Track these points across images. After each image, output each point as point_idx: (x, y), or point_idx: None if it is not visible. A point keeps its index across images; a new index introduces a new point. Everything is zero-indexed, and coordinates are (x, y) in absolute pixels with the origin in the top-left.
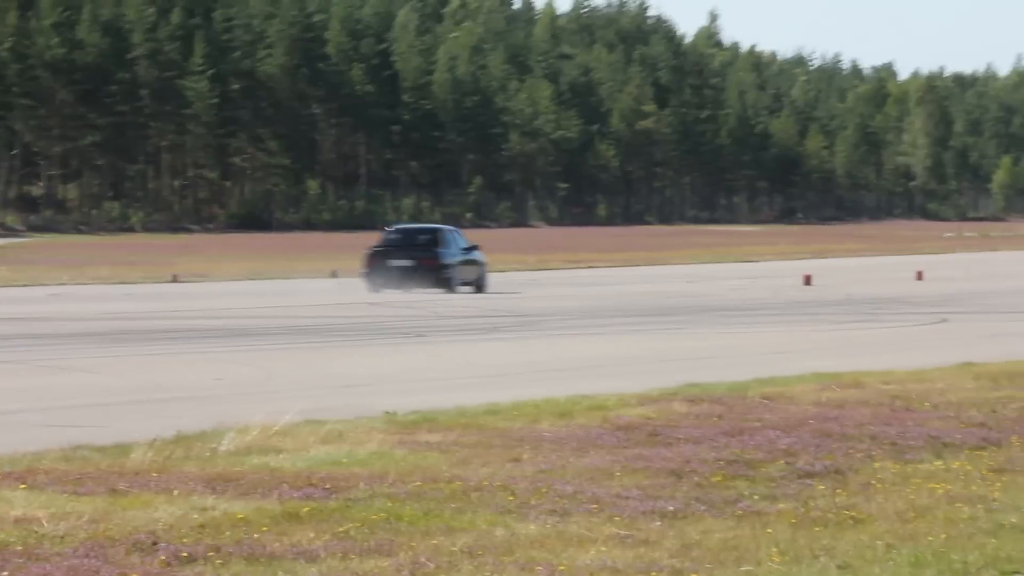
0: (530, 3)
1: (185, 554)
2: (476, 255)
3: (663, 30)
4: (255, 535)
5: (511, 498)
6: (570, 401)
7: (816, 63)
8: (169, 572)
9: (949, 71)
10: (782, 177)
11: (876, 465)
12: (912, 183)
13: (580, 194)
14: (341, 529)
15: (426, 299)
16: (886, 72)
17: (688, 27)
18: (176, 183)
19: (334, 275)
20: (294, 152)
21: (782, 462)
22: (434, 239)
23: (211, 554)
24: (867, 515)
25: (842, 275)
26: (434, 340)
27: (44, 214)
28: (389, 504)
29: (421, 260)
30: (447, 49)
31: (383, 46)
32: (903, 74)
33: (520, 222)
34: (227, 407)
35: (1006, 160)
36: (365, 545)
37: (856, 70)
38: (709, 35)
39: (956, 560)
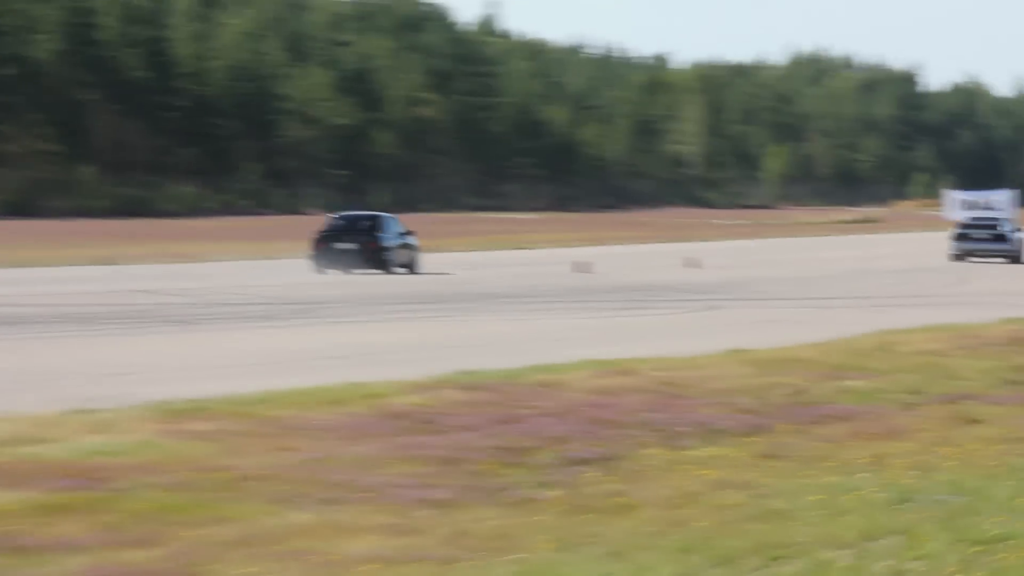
0: None
1: None
2: (410, 240)
3: (440, 18)
4: (19, 526)
5: (282, 487)
6: (343, 389)
7: (593, 52)
8: None
9: (724, 60)
10: (558, 165)
11: (647, 452)
12: (687, 171)
13: (358, 181)
14: (108, 519)
15: (201, 287)
16: (662, 61)
17: (466, 16)
18: None
19: (113, 262)
20: (67, 138)
21: (554, 449)
22: (375, 224)
23: None
24: (637, 502)
25: (617, 262)
26: (207, 328)
27: None
28: (157, 494)
29: (364, 243)
30: (223, 35)
31: (158, 32)
32: (678, 63)
33: (296, 209)
34: None
35: (777, 148)
36: (132, 536)
37: (632, 59)
38: (486, 23)
39: (723, 546)
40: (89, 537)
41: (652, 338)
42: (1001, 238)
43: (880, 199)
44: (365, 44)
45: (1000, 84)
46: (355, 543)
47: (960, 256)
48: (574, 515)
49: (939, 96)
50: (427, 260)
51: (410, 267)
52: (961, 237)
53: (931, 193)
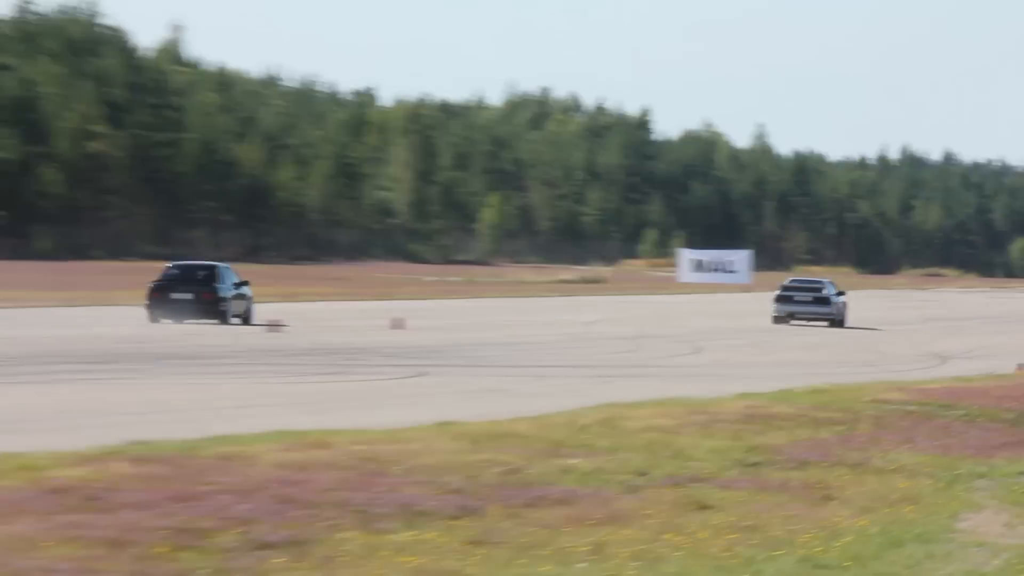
0: None
1: None
2: (245, 290)
3: (117, 41)
4: None
5: None
6: None
7: (290, 85)
8: None
9: (436, 98)
10: (249, 210)
11: (342, 535)
12: (393, 220)
13: (18, 223)
14: None
15: None
16: (367, 97)
17: (147, 40)
18: None
19: None
20: None
21: (237, 531)
22: (212, 275)
23: None
24: None
25: (313, 321)
26: None
27: None
28: None
29: (201, 294)
30: None
31: None
32: (385, 100)
33: None
34: None
35: (494, 198)
36: None
37: (334, 94)
38: (170, 49)
39: None
40: None
41: (351, 407)
42: (824, 301)
43: (607, 257)
44: (29, 68)
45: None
46: None
47: (782, 318)
48: None
49: (672, 145)
50: (92, 314)
51: (245, 318)
52: (783, 299)
53: (662, 252)
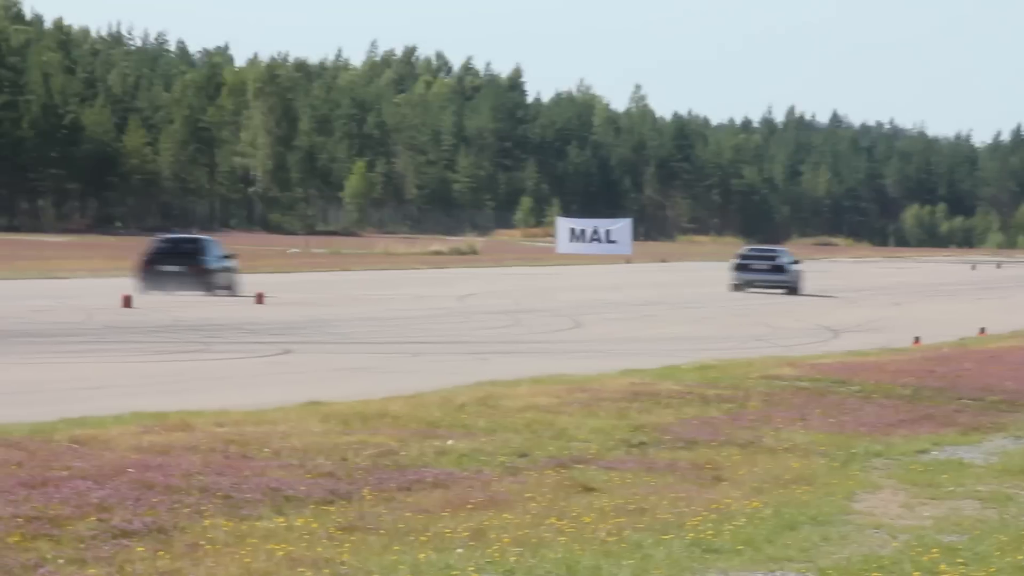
0: None
1: None
2: (230, 263)
3: None
4: None
5: None
6: None
7: (137, 43)
8: None
9: (294, 58)
10: (97, 178)
11: (206, 523)
12: (252, 189)
13: None
14: None
15: None
16: (221, 57)
17: None
18: None
19: None
20: None
21: (94, 519)
22: (199, 248)
23: None
24: None
25: (168, 297)
26: None
27: None
28: None
29: (189, 266)
30: None
31: None
32: (240, 60)
33: None
34: None
35: (359, 165)
36: None
37: (185, 53)
38: (7, 6)
39: None
40: None
41: (214, 387)
42: (780, 269)
43: (480, 227)
44: None
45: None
46: None
47: (740, 286)
48: None
49: (546, 107)
50: None
51: (230, 289)
52: (741, 268)
53: (538, 221)
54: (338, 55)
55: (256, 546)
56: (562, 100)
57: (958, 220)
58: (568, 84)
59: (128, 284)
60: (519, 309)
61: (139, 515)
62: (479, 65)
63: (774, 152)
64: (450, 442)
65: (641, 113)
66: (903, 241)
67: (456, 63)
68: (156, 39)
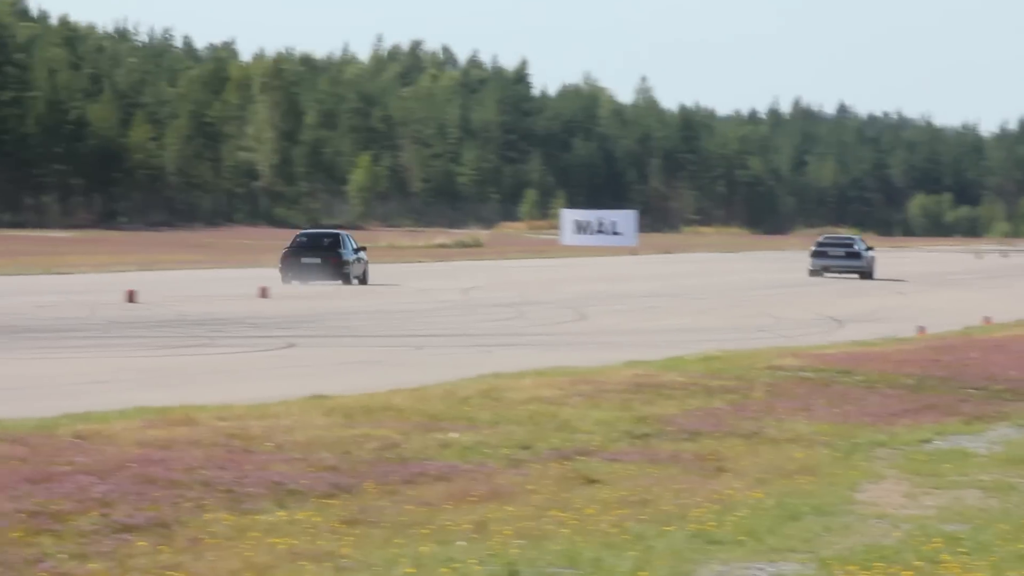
0: None
1: None
2: (362, 255)
3: None
4: None
5: None
6: None
7: (143, 39)
8: None
9: (299, 52)
10: (102, 174)
11: (208, 516)
12: (257, 183)
13: None
14: None
15: None
16: (226, 52)
17: None
18: None
19: None
20: None
21: (96, 513)
22: (336, 241)
23: None
24: (196, 575)
25: (174, 290)
26: None
27: None
28: None
29: (327, 258)
30: None
31: None
32: (246, 55)
33: None
34: None
35: (364, 158)
36: None
37: (191, 49)
38: (13, 2)
39: None
40: None
41: (218, 381)
42: (855, 255)
43: (485, 219)
44: None
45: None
46: None
47: (817, 271)
48: None
49: (552, 100)
50: None
51: (362, 279)
52: (819, 254)
53: (543, 213)
54: (344, 49)
55: (258, 540)
56: (568, 92)
57: (964, 209)
58: (574, 76)
59: (129, 280)
60: (523, 301)
61: (141, 510)
62: (485, 58)
63: (780, 143)
64: (453, 435)
65: (647, 105)
66: (909, 231)
67: (462, 56)
68: (162, 35)
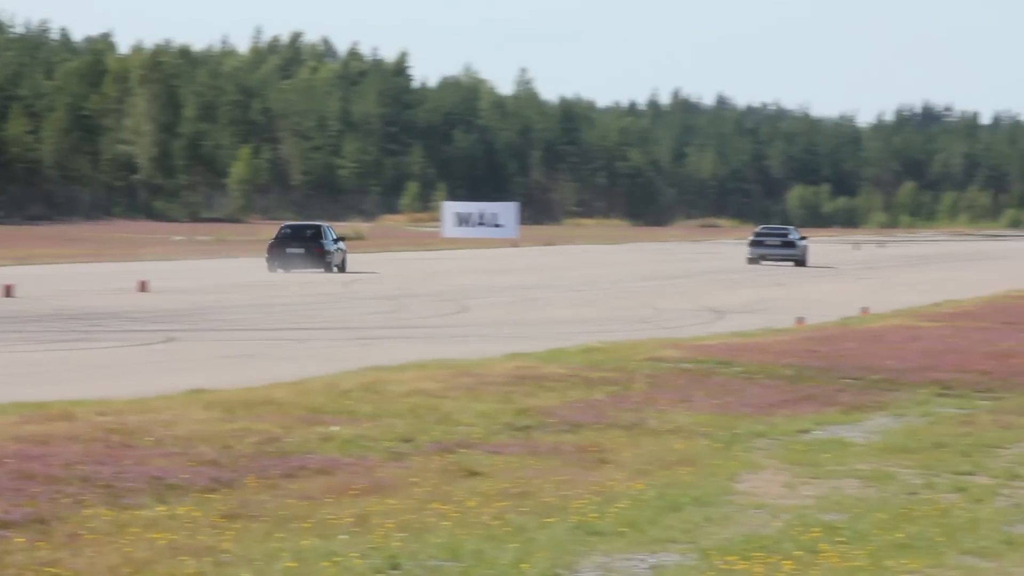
0: None
1: None
2: (341, 244)
3: None
4: None
5: None
6: None
7: (19, 31)
8: None
9: (178, 44)
10: None
11: (87, 512)
12: (136, 176)
13: None
14: None
15: None
16: (104, 44)
17: None
18: None
19: None
20: None
21: None
22: (318, 232)
23: None
24: (74, 572)
25: (52, 285)
26: None
27: None
28: None
29: (310, 248)
30: None
31: None
32: (124, 47)
33: None
34: None
35: (244, 151)
36: None
37: (68, 41)
38: None
39: None
40: None
41: (96, 376)
42: (790, 244)
43: (366, 212)
44: None
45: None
46: None
47: (755, 260)
48: None
49: (432, 92)
50: None
51: (341, 267)
52: (756, 244)
53: (425, 206)
54: (223, 41)
55: (137, 535)
56: (448, 84)
57: (842, 200)
58: (454, 68)
59: (6, 274)
60: (405, 294)
61: (18, 506)
62: (365, 50)
63: (660, 135)
64: (334, 428)
65: (527, 97)
66: (787, 221)
67: (342, 48)
68: (38, 27)
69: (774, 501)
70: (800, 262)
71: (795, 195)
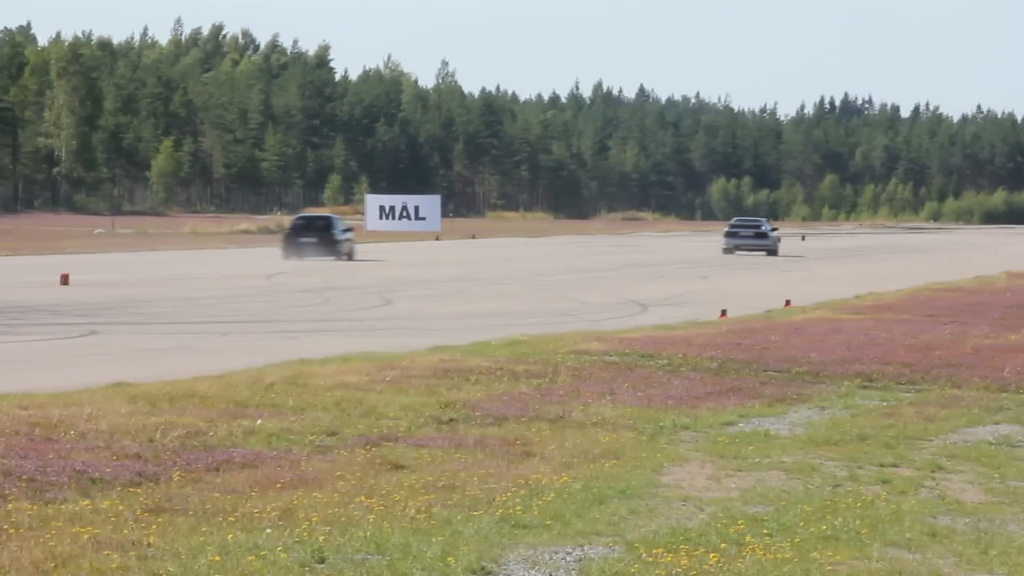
0: None
1: None
2: (350, 234)
3: None
4: None
5: None
6: None
7: None
8: None
9: (97, 36)
10: None
11: (10, 507)
12: (56, 170)
13: None
14: None
15: None
16: (22, 36)
17: None
18: None
19: None
20: None
21: None
22: (329, 223)
23: None
24: (0, 567)
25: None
26: None
27: None
28: None
29: (322, 237)
30: None
31: None
32: (43, 39)
33: None
34: None
35: (166, 144)
36: None
37: None
38: None
39: None
40: None
41: (18, 370)
42: (763, 236)
43: (289, 205)
44: None
45: (423, 72)
46: None
47: (730, 250)
48: None
49: (354, 84)
50: None
51: (350, 255)
52: (731, 235)
53: (348, 198)
54: (143, 33)
55: (61, 529)
56: (370, 77)
57: (764, 193)
58: (376, 61)
59: None
60: (328, 287)
61: None
62: (286, 42)
63: (582, 127)
64: (259, 422)
65: (449, 89)
66: (710, 214)
67: (263, 41)
68: None
69: (699, 494)
70: (772, 252)
71: (717, 188)
